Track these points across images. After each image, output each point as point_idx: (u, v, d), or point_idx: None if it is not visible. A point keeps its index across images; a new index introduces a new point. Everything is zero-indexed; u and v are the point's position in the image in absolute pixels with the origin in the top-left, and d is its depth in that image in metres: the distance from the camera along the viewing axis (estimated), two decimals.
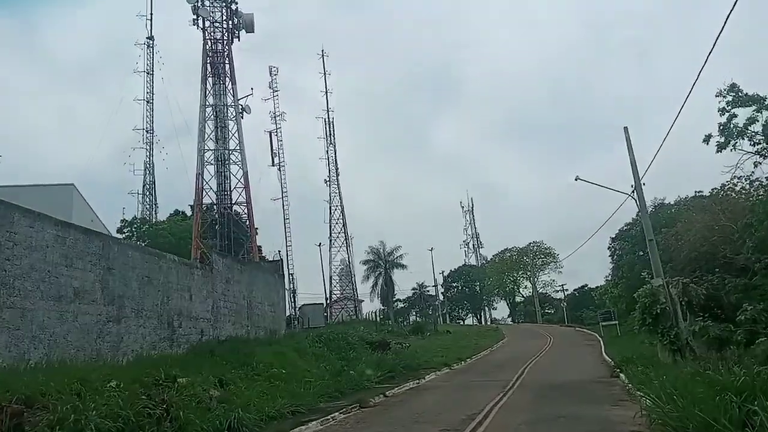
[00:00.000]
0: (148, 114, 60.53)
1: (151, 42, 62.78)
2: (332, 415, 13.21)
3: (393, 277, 58.13)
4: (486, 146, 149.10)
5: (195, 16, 41.78)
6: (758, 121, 21.18)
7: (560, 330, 54.82)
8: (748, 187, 30.08)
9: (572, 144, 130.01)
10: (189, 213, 45.95)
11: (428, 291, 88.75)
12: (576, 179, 24.98)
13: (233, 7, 43.14)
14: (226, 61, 41.73)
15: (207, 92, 40.69)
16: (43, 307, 12.68)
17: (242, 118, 41.95)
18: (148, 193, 59.26)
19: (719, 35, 13.53)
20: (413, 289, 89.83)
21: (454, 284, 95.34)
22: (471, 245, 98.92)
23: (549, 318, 76.27)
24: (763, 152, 21.73)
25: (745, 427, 7.49)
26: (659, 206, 41.28)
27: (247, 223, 40.89)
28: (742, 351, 14.76)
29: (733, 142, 21.74)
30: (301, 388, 16.04)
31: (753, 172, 22.28)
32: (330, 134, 65.30)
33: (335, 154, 64.77)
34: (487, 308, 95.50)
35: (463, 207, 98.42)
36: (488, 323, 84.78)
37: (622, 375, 18.33)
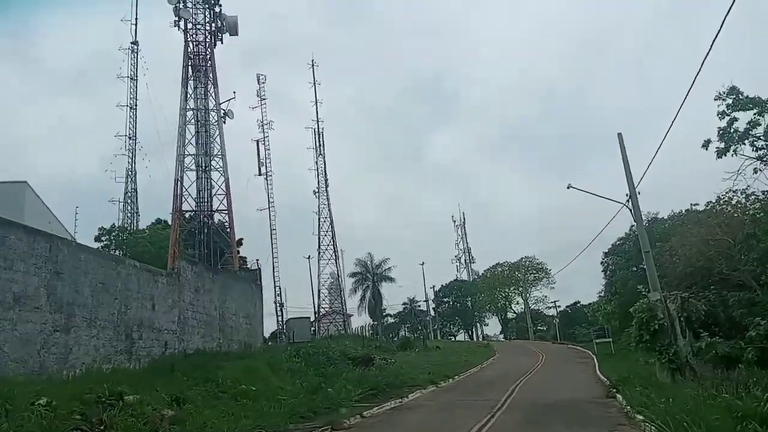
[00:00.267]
0: (131, 120, 59.23)
1: (135, 47, 61.48)
2: None
3: (381, 291, 56.93)
4: (480, 160, 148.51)
5: (176, 18, 40.78)
6: (760, 124, 20.12)
7: (552, 347, 53.50)
8: (744, 200, 29.14)
9: (566, 158, 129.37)
10: (171, 221, 44.43)
11: (419, 306, 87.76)
12: (568, 187, 23.99)
13: (216, 9, 42.21)
14: (209, 64, 40.65)
15: (188, 96, 39.51)
16: None
17: (224, 122, 40.84)
18: (129, 201, 57.64)
19: (716, 36, 12.64)
20: (404, 303, 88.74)
21: (446, 299, 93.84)
22: (463, 260, 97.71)
23: (541, 335, 75.01)
24: (765, 158, 20.67)
25: None
26: (652, 221, 40.22)
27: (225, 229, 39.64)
28: (753, 370, 13.48)
29: (733, 147, 20.64)
30: (270, 407, 14.58)
31: (756, 178, 21.12)
32: (319, 145, 64.53)
33: (324, 164, 63.89)
34: (478, 324, 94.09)
35: (455, 221, 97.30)
36: (480, 339, 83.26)
37: (618, 395, 17.02)
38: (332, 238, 61.93)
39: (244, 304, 24.19)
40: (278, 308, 58.86)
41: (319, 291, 61.57)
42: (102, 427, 9.47)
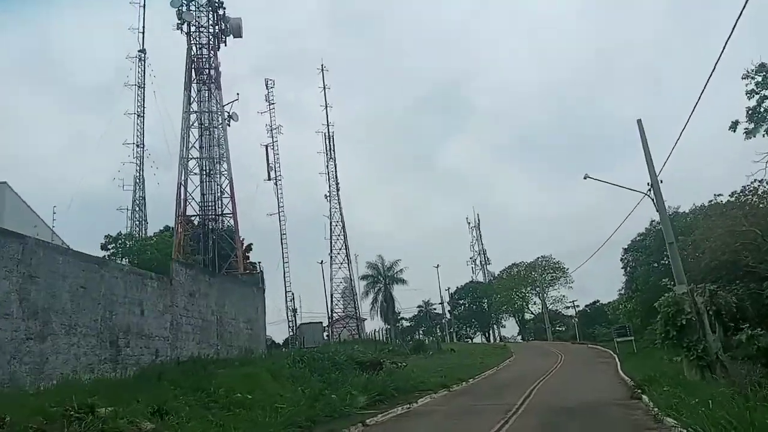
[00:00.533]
0: (138, 128, 58.84)
1: (142, 55, 61.14)
2: None
3: (393, 293, 55.75)
4: (494, 164, 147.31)
5: (180, 21, 40.18)
6: None
7: (572, 347, 51.89)
8: None
9: (580, 160, 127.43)
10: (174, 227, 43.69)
11: (434, 309, 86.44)
12: (585, 177, 22.73)
13: (220, 12, 41.55)
14: (212, 67, 39.94)
15: (191, 99, 38.79)
16: None
17: (229, 125, 40.03)
18: (137, 209, 57.19)
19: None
20: (419, 307, 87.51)
21: (461, 302, 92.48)
22: (478, 262, 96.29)
23: (560, 335, 73.24)
24: None
25: None
26: (673, 215, 38.59)
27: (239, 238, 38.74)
28: None
29: (765, 127, 19.17)
30: (265, 417, 13.46)
31: None
32: (330, 149, 64.11)
33: (335, 168, 63.36)
34: (495, 326, 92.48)
35: (469, 223, 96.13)
36: (497, 341, 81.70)
37: (644, 396, 15.67)
38: (344, 241, 61.23)
39: (245, 309, 23.14)
40: (291, 314, 58.53)
41: (331, 295, 60.84)
42: None
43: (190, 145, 38.20)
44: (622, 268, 44.09)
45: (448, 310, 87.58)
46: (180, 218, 34.44)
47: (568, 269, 75.84)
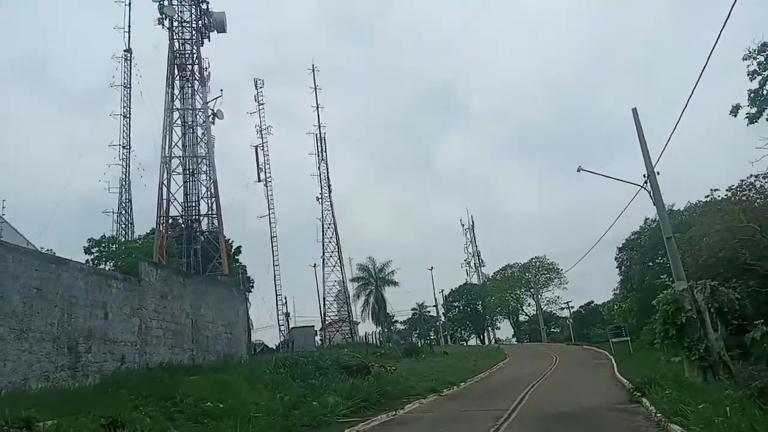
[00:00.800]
0: (125, 129, 57.55)
1: (128, 55, 59.93)
2: None
3: (385, 295, 54.77)
4: (491, 164, 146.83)
5: (161, 16, 39.00)
6: None
7: (567, 348, 51.01)
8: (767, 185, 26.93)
9: (577, 161, 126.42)
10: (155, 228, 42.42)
11: (429, 311, 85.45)
12: (579, 170, 21.74)
13: (203, 6, 40.44)
14: (195, 62, 38.80)
15: (174, 96, 37.62)
16: None
17: (213, 123, 38.87)
18: (124, 212, 55.88)
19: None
20: (413, 309, 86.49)
21: (456, 304, 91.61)
22: (472, 264, 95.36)
23: (554, 337, 72.51)
24: None
25: None
26: (669, 213, 37.75)
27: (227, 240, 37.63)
28: None
29: None
30: (236, 428, 12.41)
31: None
32: (321, 150, 63.17)
33: (327, 170, 62.41)
34: (490, 328, 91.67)
35: (463, 225, 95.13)
36: (491, 343, 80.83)
37: (645, 400, 14.67)
38: (336, 244, 60.22)
39: (224, 311, 21.98)
40: (285, 317, 57.42)
41: (324, 299, 59.77)
42: None
43: (173, 144, 37.03)
44: (616, 267, 43.45)
45: (443, 313, 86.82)
46: (161, 219, 33.22)
47: (562, 270, 75.22)
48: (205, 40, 40.81)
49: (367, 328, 63.44)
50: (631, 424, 12.11)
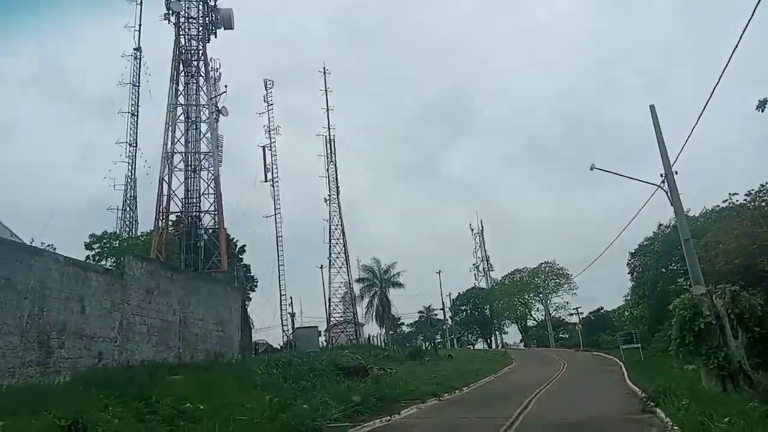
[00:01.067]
0: (132, 127, 57.14)
1: (138, 53, 59.52)
2: None
3: (390, 297, 53.89)
4: (500, 171, 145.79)
5: (168, 11, 38.47)
6: None
7: (575, 354, 49.80)
8: None
9: (587, 169, 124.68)
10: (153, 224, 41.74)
11: (436, 315, 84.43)
12: (591, 168, 20.78)
13: (211, 2, 39.88)
14: (201, 58, 38.21)
15: (178, 92, 37.02)
16: None
17: (217, 120, 38.23)
18: (128, 209, 55.43)
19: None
20: (420, 312, 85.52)
21: (463, 308, 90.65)
22: (481, 268, 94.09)
23: (563, 342, 71.24)
24: None
25: None
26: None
27: (229, 237, 36.91)
28: None
29: None
30: (214, 431, 11.51)
31: None
32: (331, 151, 62.75)
33: (336, 171, 61.90)
34: (497, 333, 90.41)
35: (472, 229, 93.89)
36: (499, 348, 79.64)
37: (659, 410, 13.62)
38: (343, 245, 59.54)
39: (216, 309, 21.10)
40: (290, 318, 56.73)
41: (329, 300, 59.09)
42: None
43: (176, 140, 36.40)
44: (628, 273, 42.38)
45: (450, 316, 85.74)
46: (160, 215, 32.51)
47: (572, 275, 73.91)
48: (212, 37, 40.32)
49: (372, 330, 62.74)
50: None
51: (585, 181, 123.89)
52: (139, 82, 58.31)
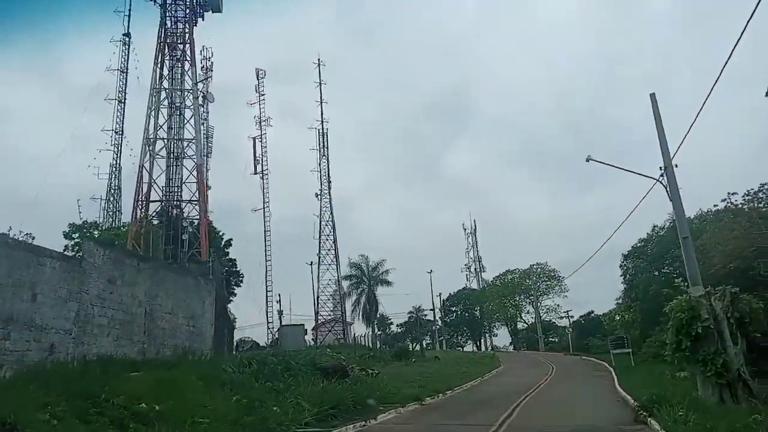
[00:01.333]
0: (118, 114, 55.75)
1: (127, 39, 58.13)
2: None
3: (377, 296, 52.82)
4: (497, 171, 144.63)
5: None
6: None
7: (564, 358, 48.94)
8: None
9: (585, 168, 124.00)
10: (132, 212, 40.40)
11: (425, 315, 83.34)
12: (587, 160, 19.73)
13: None
14: (187, 42, 37.01)
15: (162, 77, 35.81)
16: None
17: (203, 106, 37.07)
18: (112, 199, 54.05)
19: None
20: (409, 313, 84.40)
21: (454, 308, 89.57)
22: (473, 269, 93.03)
23: (553, 346, 70.38)
24: None
25: None
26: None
27: (212, 227, 35.77)
28: None
29: None
30: None
31: None
32: (323, 145, 61.32)
33: (328, 166, 60.41)
34: (487, 334, 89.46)
35: (465, 229, 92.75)
36: (488, 350, 78.74)
37: (652, 421, 12.65)
38: (334, 241, 58.20)
39: (188, 302, 19.91)
40: (278, 315, 55.48)
41: (317, 297, 57.71)
42: None
43: (159, 126, 35.20)
44: (620, 275, 41.28)
45: (440, 317, 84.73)
46: (139, 204, 31.32)
47: (563, 277, 73.06)
48: (199, 20, 39.09)
49: (361, 329, 61.64)
50: None
51: (582, 182, 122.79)
52: (127, 69, 56.75)
